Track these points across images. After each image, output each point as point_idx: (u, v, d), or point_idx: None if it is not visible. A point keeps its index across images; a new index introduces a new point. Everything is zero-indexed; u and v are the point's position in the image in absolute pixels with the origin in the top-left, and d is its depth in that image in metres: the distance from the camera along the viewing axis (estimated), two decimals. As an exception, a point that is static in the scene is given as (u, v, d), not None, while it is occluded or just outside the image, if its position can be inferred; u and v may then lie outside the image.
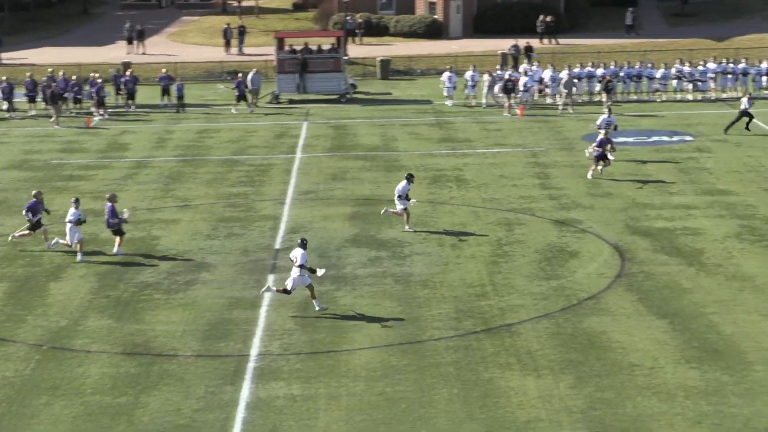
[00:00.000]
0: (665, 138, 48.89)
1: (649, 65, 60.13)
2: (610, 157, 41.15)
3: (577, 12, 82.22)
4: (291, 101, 60.22)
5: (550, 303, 28.34)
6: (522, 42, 68.61)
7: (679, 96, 58.80)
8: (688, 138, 48.68)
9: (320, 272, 28.61)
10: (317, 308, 27.82)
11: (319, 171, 43.55)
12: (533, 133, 50.42)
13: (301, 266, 27.67)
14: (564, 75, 57.09)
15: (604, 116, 44.60)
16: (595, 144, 41.49)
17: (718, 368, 24.06)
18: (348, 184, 41.39)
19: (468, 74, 58.66)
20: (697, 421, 21.65)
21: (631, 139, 48.56)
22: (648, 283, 29.59)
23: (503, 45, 69.39)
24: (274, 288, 28.56)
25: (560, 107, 55.92)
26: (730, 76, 58.71)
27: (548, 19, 74.98)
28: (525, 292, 29.16)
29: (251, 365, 24.72)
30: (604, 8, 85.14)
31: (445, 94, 58.68)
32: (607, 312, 27.54)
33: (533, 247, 33.08)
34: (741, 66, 58.99)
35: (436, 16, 79.10)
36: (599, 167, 40.95)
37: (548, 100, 58.38)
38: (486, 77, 57.42)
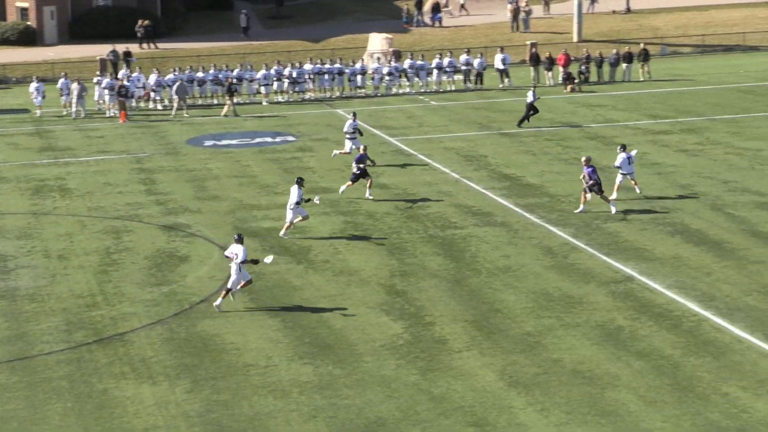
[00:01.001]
0: (268, 139, 49.65)
1: (249, 67, 60.86)
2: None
3: (175, 16, 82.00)
4: None
5: (163, 309, 28.13)
6: (121, 47, 67.62)
7: (279, 97, 59.87)
8: (290, 138, 49.68)
9: (268, 259, 28.78)
10: (216, 305, 27.72)
11: None
12: (137, 139, 49.89)
13: (243, 262, 27.65)
14: (170, 79, 56.91)
15: (350, 121, 44.04)
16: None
17: (330, 362, 24.68)
18: (-57, 198, 39.41)
19: (61, 82, 56.88)
20: (312, 416, 22.12)
21: (234, 141, 49.00)
22: (259, 282, 29.93)
23: (102, 51, 68.17)
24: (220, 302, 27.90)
25: (173, 113, 55.59)
26: (327, 76, 60.37)
27: (146, 23, 74.33)
28: (136, 300, 28.81)
29: None
30: (202, 12, 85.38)
31: (36, 104, 56.55)
32: (219, 314, 27.64)
33: (143, 254, 32.72)
34: (337, 66, 60.80)
35: (29, 23, 76.60)
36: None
37: (152, 105, 57.92)
38: (75, 86, 55.48)
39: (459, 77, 62.94)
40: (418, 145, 47.33)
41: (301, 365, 24.56)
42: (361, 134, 43.89)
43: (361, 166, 38.13)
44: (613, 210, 35.75)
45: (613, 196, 36.97)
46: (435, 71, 61.99)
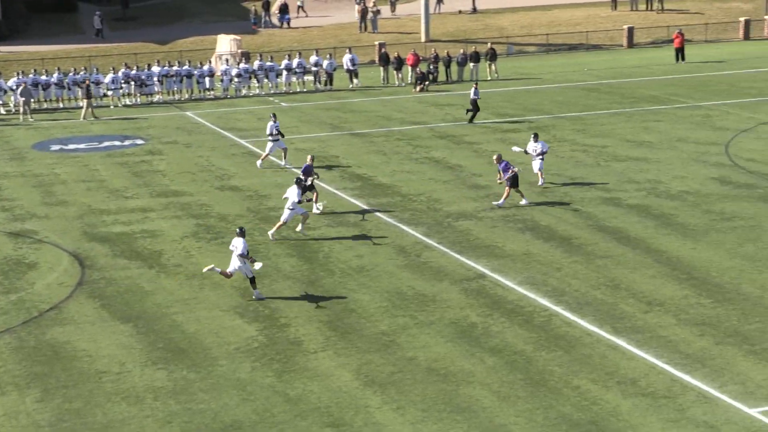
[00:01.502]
0: (117, 143, 48.91)
1: (95, 70, 59.85)
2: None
3: (16, 19, 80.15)
4: None
5: (11, 317, 27.48)
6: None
7: (127, 100, 59.02)
8: (139, 141, 49.02)
9: (257, 266, 28.72)
10: (255, 297, 28.47)
11: None
12: (-20, 144, 48.70)
13: (241, 255, 28.15)
14: (13, 83, 55.65)
15: (270, 123, 42.97)
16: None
17: (184, 367, 24.43)
18: None
19: None
20: (167, 421, 21.86)
21: (82, 146, 48.14)
22: (110, 288, 29.48)
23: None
24: (218, 269, 28.72)
25: (21, 117, 54.39)
26: (175, 78, 59.73)
27: (-13, 26, 72.54)
28: (-17, 309, 28.11)
29: None
30: (44, 14, 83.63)
31: None
32: (70, 321, 27.13)
33: (-12, 262, 31.95)
34: (185, 68, 60.20)
35: None
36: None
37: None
38: None
39: (309, 78, 62.95)
40: (269, 146, 47.14)
41: (155, 371, 24.26)
42: (282, 135, 43.43)
43: (309, 179, 35.99)
44: (524, 202, 36.71)
45: (540, 182, 38.81)
46: (284, 72, 61.86)
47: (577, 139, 47.32)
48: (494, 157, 37.55)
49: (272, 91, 61.47)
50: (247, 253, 28.53)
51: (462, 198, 37.87)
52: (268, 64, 62.12)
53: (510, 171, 36.52)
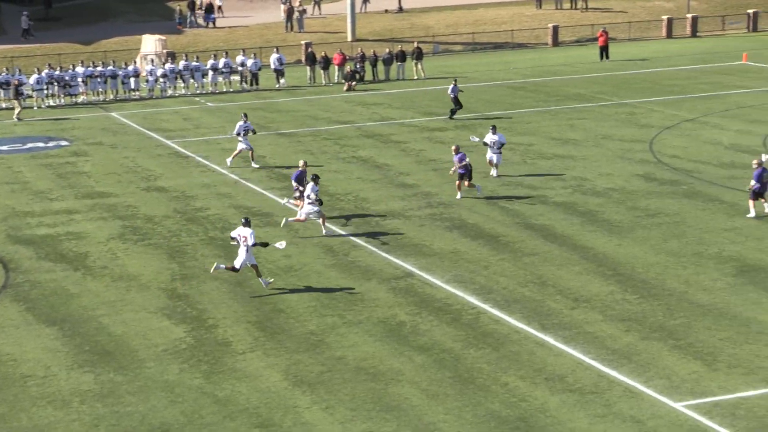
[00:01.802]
0: (41, 144, 48.34)
1: (18, 71, 59.12)
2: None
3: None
4: None
5: (-67, 322, 27.06)
6: None
7: (51, 101, 58.35)
8: (63, 143, 48.48)
9: (280, 245, 29.57)
10: (264, 285, 28.88)
11: None
12: None
13: (253, 245, 28.58)
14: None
15: (240, 123, 42.78)
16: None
17: (111, 369, 24.20)
18: None
19: None
20: (94, 425, 21.64)
21: (5, 147, 47.54)
22: (35, 291, 29.13)
23: None
24: (223, 266, 28.98)
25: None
26: (99, 79, 59.14)
27: None
28: None
29: None
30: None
31: None
32: (-6, 325, 26.79)
33: None
34: (110, 68, 59.63)
35: None
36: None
37: None
38: None
39: (235, 78, 62.65)
40: (195, 147, 46.89)
41: (81, 374, 24.00)
42: (254, 132, 43.57)
43: (301, 188, 35.14)
44: (479, 193, 37.53)
45: (492, 173, 40.04)
46: (210, 72, 61.51)
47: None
48: (453, 147, 37.94)
49: (198, 92, 61.09)
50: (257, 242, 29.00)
51: (389, 197, 37.92)
52: (194, 64, 61.75)
53: (464, 162, 37.16)
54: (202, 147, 46.74)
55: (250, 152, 42.95)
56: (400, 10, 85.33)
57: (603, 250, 31.83)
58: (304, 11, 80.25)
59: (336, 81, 63.04)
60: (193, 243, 33.24)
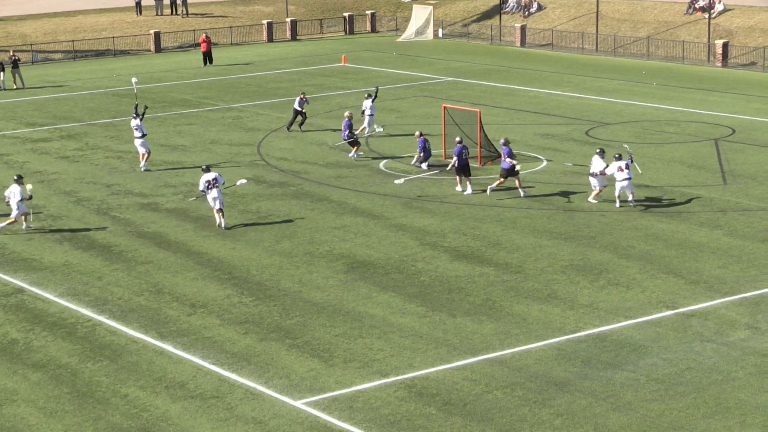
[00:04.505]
0: None
1: None
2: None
3: None
4: None
5: None
6: None
7: None
8: None
9: (242, 181, 36.05)
10: (223, 226, 34.01)
11: None
12: None
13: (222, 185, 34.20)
14: None
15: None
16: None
17: None
18: None
19: None
20: None
21: None
22: None
23: None
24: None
25: None
26: None
27: None
28: None
29: None
30: None
31: None
32: None
33: None
34: None
35: None
36: None
37: None
38: None
39: None
40: None
41: None
42: (144, 135, 42.03)
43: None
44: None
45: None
46: None
47: (111, 145, 46.83)
48: (416, 133, 41.81)
49: None
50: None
51: (-6, 211, 36.52)
52: None
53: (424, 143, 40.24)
54: None
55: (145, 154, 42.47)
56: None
57: (218, 255, 31.98)
58: None
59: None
60: None
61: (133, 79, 48.10)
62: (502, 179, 37.45)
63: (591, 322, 26.35)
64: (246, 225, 34.80)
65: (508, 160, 36.88)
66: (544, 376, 23.48)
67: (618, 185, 35.16)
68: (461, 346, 25.16)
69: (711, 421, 21.31)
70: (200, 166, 36.29)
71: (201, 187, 34.30)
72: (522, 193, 36.93)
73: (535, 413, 21.83)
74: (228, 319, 27.09)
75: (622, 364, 23.93)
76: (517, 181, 37.22)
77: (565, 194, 37.13)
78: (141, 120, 42.41)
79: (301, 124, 48.77)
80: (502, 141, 37.70)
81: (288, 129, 48.85)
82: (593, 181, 36.15)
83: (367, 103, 46.29)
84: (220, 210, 34.32)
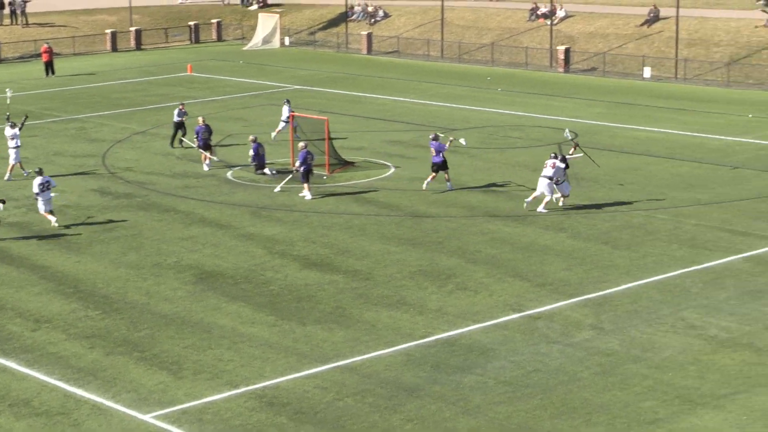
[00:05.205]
0: None
1: None
2: None
3: None
4: None
5: None
6: None
7: None
8: None
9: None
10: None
11: None
12: None
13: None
14: None
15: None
16: None
17: None
18: None
19: None
20: None
21: None
22: None
23: None
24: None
25: None
26: None
27: None
28: None
29: None
30: None
31: None
32: None
33: None
34: None
35: None
36: None
37: None
38: None
39: None
40: None
41: None
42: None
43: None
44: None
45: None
46: None
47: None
48: (250, 137, 42.28)
49: None
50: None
51: None
52: None
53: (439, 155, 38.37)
54: None
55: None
56: None
57: (62, 269, 31.36)
58: None
59: None
60: None
61: (8, 91, 47.95)
62: (434, 173, 38.47)
63: (440, 327, 26.61)
64: (91, 237, 34.22)
65: (440, 154, 38.15)
66: (394, 382, 23.62)
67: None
68: (312, 355, 25.16)
69: (557, 421, 21.70)
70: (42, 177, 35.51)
71: (35, 189, 34.99)
72: (449, 186, 38.52)
73: (385, 419, 21.94)
74: (74, 333, 26.58)
75: (470, 368, 24.21)
76: (446, 175, 38.52)
77: (412, 200, 37.49)
78: (20, 129, 42.12)
79: (182, 137, 46.36)
80: (431, 136, 38.83)
81: (171, 146, 46.57)
82: (547, 188, 35.78)
83: (285, 109, 47.30)
84: (50, 211, 35.18)
